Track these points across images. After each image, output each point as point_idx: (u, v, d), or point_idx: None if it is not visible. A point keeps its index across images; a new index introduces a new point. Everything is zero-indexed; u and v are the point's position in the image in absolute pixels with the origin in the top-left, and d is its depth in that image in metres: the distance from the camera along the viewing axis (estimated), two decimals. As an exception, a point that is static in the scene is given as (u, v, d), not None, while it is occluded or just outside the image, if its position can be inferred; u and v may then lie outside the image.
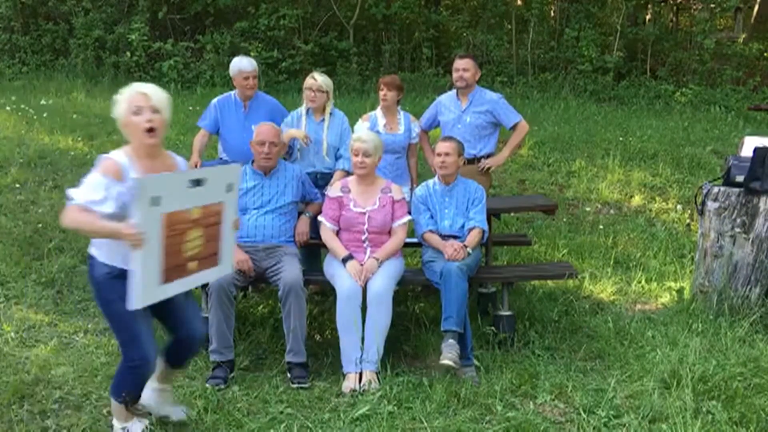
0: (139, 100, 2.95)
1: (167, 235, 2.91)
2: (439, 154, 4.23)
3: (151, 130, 2.95)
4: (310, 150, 4.84)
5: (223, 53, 11.72)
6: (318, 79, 4.81)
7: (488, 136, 5.14)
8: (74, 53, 11.76)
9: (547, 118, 9.65)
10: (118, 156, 3.00)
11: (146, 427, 3.23)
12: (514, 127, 5.13)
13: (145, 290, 2.88)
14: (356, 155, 4.13)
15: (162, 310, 3.14)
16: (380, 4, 12.70)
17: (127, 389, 3.13)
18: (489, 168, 5.10)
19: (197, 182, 2.97)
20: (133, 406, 3.20)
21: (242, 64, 5.06)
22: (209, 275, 3.23)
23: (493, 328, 4.29)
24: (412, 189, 4.97)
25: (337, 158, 4.88)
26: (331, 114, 4.90)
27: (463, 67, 5.03)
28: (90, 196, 2.88)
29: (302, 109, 4.90)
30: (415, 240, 4.45)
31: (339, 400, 3.71)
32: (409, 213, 4.32)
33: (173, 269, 2.98)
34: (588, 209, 6.94)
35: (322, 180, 4.83)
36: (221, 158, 5.24)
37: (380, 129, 4.95)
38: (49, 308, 4.87)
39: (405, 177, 5.15)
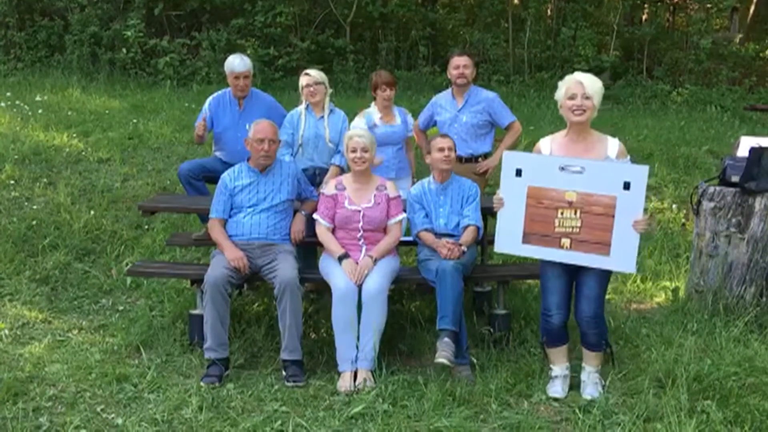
0: (575, 87, 3.52)
1: (530, 204, 3.60)
2: (441, 149, 4.22)
3: (576, 111, 3.50)
4: (310, 144, 4.86)
5: (219, 50, 11.69)
6: (312, 73, 4.90)
7: (484, 135, 5.14)
8: (70, 50, 11.70)
9: (544, 117, 9.65)
10: (544, 140, 3.73)
11: (563, 376, 3.76)
12: (508, 128, 5.14)
13: (503, 240, 3.69)
14: (354, 151, 4.11)
15: (577, 283, 3.68)
16: (377, 2, 12.68)
17: (542, 332, 3.80)
18: (486, 171, 5.11)
19: (570, 169, 3.49)
20: (551, 356, 3.80)
21: (234, 64, 5.01)
22: (596, 261, 3.54)
23: (488, 326, 4.28)
24: (413, 182, 4.96)
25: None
26: (331, 111, 4.95)
27: (464, 63, 5.02)
28: None
29: (302, 108, 4.92)
30: (410, 238, 4.44)
31: (334, 398, 3.70)
32: (405, 210, 4.31)
33: (537, 236, 3.61)
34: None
35: (320, 176, 4.87)
36: (215, 156, 5.22)
37: (377, 122, 4.97)
38: (43, 305, 4.86)
39: (408, 169, 5.20)
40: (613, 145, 3.61)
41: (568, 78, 3.60)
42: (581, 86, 3.51)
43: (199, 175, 4.99)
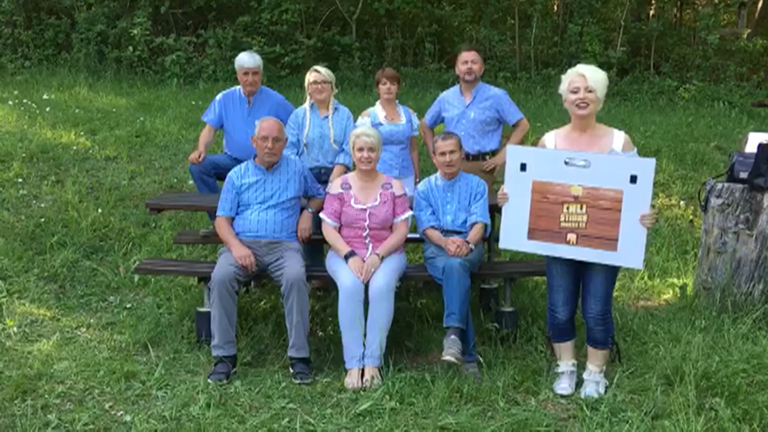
0: (577, 80, 3.47)
1: (535, 199, 3.56)
2: (443, 153, 4.17)
3: (580, 105, 3.45)
4: (315, 145, 4.86)
5: (225, 48, 11.70)
6: (322, 71, 4.87)
7: (492, 132, 5.12)
8: (77, 48, 11.74)
9: (551, 113, 9.61)
10: (548, 134, 3.69)
11: (570, 373, 3.75)
12: (516, 125, 5.12)
13: (508, 236, 3.67)
14: (361, 150, 4.11)
15: (584, 280, 3.66)
16: (383, -2, 12.67)
17: (548, 327, 3.83)
18: (494, 168, 5.10)
19: (575, 163, 3.45)
20: (557, 351, 3.82)
21: (243, 60, 5.04)
22: (603, 256, 3.50)
23: (495, 324, 4.28)
24: (416, 182, 4.96)
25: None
26: (336, 109, 4.92)
27: (472, 59, 5.00)
28: None
29: (306, 106, 4.91)
30: (417, 235, 4.44)
31: (341, 395, 3.71)
32: (411, 208, 4.31)
33: (542, 231, 3.57)
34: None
35: (325, 175, 4.86)
36: (225, 153, 5.24)
37: (382, 121, 4.96)
38: (51, 303, 4.88)
39: (411, 168, 5.19)
40: (618, 137, 3.56)
41: (571, 71, 3.55)
42: (583, 79, 3.46)
43: (211, 171, 5.02)
